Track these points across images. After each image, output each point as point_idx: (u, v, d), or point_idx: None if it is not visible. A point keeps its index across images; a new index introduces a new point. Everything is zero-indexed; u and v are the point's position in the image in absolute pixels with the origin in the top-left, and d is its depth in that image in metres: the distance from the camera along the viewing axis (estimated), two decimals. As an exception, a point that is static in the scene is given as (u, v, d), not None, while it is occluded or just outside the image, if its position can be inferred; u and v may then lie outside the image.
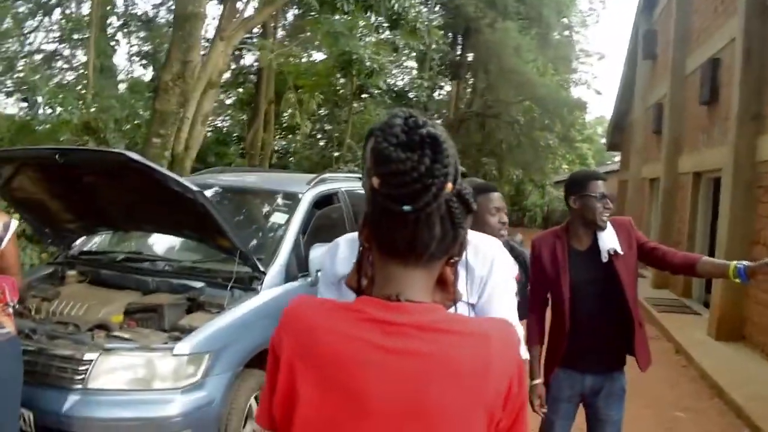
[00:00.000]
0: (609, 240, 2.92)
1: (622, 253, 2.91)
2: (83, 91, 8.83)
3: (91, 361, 3.27)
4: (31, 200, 4.23)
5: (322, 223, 4.89)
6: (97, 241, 4.88)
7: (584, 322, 2.94)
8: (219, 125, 18.46)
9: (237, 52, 14.75)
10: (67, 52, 13.51)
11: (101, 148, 5.13)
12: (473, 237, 1.78)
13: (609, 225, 2.94)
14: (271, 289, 4.07)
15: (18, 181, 4.07)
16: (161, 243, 4.82)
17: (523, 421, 1.25)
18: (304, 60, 15.47)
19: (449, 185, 1.07)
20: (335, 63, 12.86)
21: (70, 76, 12.79)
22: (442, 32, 17.17)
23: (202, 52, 8.82)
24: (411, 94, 16.41)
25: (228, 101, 18.65)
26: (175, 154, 8.27)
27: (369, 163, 1.09)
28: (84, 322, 3.59)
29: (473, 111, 21.92)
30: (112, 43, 14.08)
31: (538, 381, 3.03)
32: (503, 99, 20.54)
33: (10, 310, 3.07)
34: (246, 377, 3.74)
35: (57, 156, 3.69)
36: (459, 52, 21.81)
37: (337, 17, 10.33)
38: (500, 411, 1.13)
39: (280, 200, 5.10)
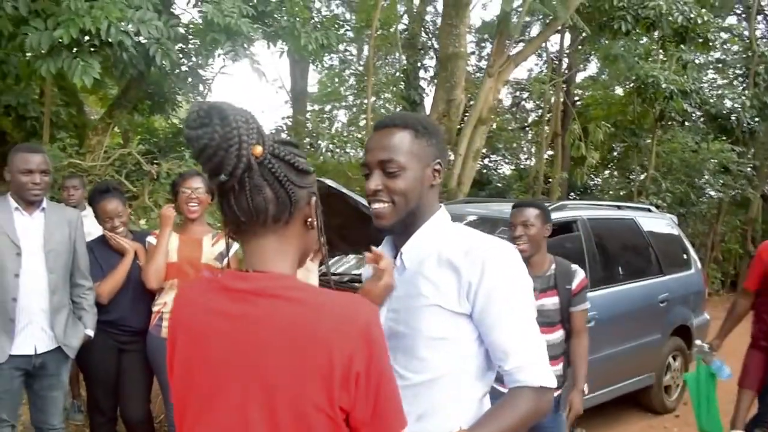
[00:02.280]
0: None
1: None
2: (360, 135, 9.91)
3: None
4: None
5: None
6: (340, 263, 5.43)
7: None
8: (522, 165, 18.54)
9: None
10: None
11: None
12: (470, 238, 1.62)
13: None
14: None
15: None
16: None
17: (386, 420, 1.14)
18: (603, 92, 14.94)
19: (257, 149, 1.14)
20: (631, 89, 12.12)
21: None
22: (761, 40, 14.79)
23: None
24: (733, 117, 14.36)
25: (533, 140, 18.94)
26: (449, 189, 8.69)
27: None
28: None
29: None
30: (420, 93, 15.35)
31: None
32: None
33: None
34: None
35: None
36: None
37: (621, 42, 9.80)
38: (341, 390, 1.10)
39: (504, 228, 5.04)
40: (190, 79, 7.53)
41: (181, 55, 6.91)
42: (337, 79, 14.81)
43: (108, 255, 3.73)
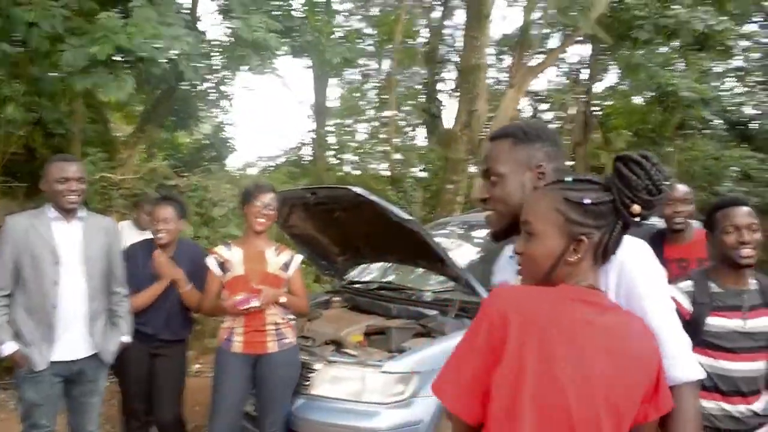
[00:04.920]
0: None
1: None
2: (387, 147, 10.03)
3: (317, 370, 3.72)
4: (305, 235, 4.99)
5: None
6: (367, 271, 5.47)
7: None
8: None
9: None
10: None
11: (336, 185, 5.77)
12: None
13: None
14: (498, 319, 4.05)
15: (292, 220, 4.86)
16: (413, 274, 5.18)
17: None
18: (624, 101, 14.88)
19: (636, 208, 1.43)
20: (651, 98, 12.09)
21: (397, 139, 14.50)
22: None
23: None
24: (754, 124, 14.19)
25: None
26: (470, 198, 8.73)
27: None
28: (321, 337, 4.10)
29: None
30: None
31: None
32: None
33: (293, 322, 3.76)
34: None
35: (309, 194, 4.37)
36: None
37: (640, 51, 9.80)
38: (654, 394, 1.41)
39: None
40: (215, 95, 7.67)
41: (207, 71, 7.05)
42: (357, 93, 14.95)
43: (147, 261, 3.82)
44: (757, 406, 2.40)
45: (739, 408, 2.37)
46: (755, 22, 13.36)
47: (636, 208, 1.37)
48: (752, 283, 2.50)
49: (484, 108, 8.67)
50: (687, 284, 2.49)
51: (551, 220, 1.41)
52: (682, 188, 3.94)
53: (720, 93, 12.43)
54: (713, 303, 2.43)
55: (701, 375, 1.50)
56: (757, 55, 14.13)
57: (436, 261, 4.21)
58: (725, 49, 9.90)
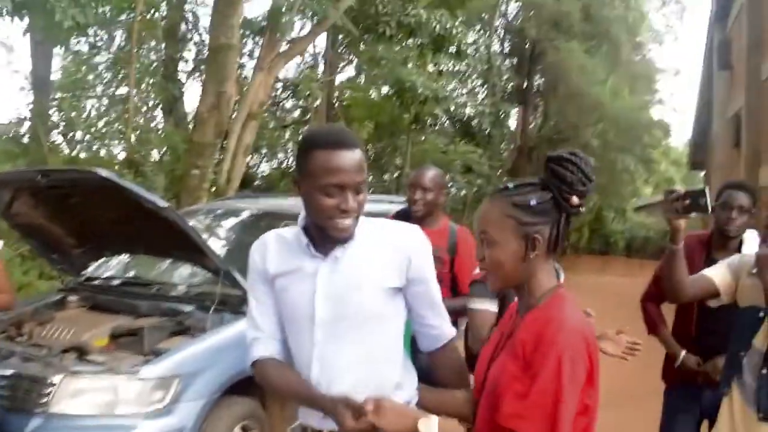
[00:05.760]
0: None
1: None
2: (123, 128, 9.17)
3: (56, 384, 3.17)
4: (33, 225, 4.24)
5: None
6: (109, 265, 4.86)
7: (709, 332, 2.85)
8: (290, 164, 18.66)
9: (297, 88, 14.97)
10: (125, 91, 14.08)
11: (75, 167, 5.17)
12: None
13: (756, 237, 2.95)
14: (261, 312, 3.87)
15: (17, 206, 4.09)
16: (162, 267, 4.75)
17: None
18: (371, 93, 15.60)
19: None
20: (390, 92, 12.82)
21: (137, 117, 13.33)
22: (502, 54, 16.79)
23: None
24: (474, 122, 15.91)
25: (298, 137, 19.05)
26: (217, 185, 8.36)
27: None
28: (59, 344, 3.52)
29: (543, 136, 21.27)
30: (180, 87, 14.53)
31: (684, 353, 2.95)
32: (573, 122, 19.83)
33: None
34: (226, 405, 3.54)
35: (39, 177, 3.70)
36: (526, 77, 21.33)
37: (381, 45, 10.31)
38: None
39: (287, 222, 4.94)
40: None
41: None
42: (85, 66, 13.34)
43: None
44: None
45: None
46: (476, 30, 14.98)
47: (575, 200, 1.51)
48: None
49: (233, 90, 8.34)
50: None
51: (506, 226, 1.53)
52: (429, 174, 3.75)
53: (449, 92, 13.70)
54: None
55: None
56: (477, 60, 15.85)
57: (194, 252, 3.88)
58: (458, 52, 10.88)
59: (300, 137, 18.64)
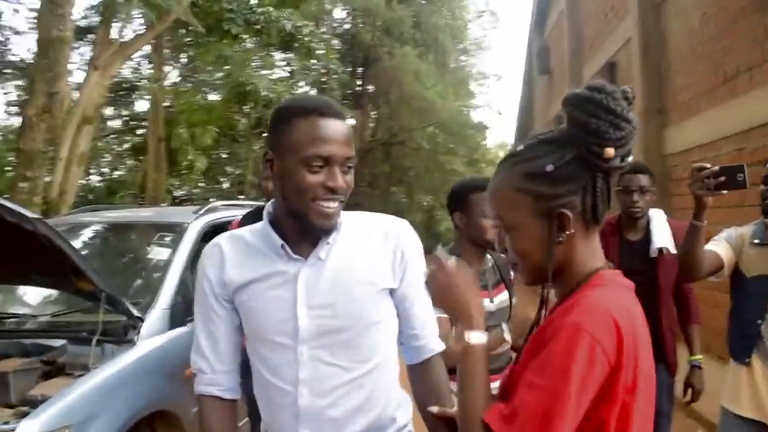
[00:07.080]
0: (662, 237, 2.99)
1: (674, 253, 2.85)
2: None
3: None
4: None
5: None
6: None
7: None
8: (115, 176, 17.26)
9: (126, 94, 13.88)
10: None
11: None
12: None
13: (666, 223, 3.05)
14: (152, 339, 3.31)
15: None
16: (11, 294, 3.97)
17: None
18: (199, 97, 14.75)
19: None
20: (230, 96, 12.21)
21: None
22: (338, 58, 16.84)
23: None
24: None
25: (122, 148, 17.61)
26: (49, 200, 7.29)
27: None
28: None
29: (378, 140, 21.70)
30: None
31: None
32: (407, 126, 20.47)
33: None
34: (131, 449, 2.97)
35: None
36: (360, 81, 21.64)
37: (226, 42, 9.75)
38: None
39: (162, 234, 4.38)
40: None
41: None
42: None
43: None
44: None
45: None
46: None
47: (609, 151, 1.09)
48: (488, 260, 2.53)
49: (66, 90, 7.32)
50: None
51: (520, 204, 1.15)
52: None
53: (297, 93, 13.35)
54: None
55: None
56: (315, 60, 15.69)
57: (63, 275, 3.24)
58: (308, 51, 10.57)
59: (129, 145, 17.29)
